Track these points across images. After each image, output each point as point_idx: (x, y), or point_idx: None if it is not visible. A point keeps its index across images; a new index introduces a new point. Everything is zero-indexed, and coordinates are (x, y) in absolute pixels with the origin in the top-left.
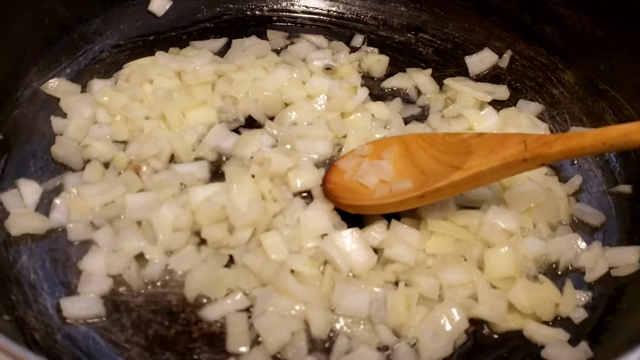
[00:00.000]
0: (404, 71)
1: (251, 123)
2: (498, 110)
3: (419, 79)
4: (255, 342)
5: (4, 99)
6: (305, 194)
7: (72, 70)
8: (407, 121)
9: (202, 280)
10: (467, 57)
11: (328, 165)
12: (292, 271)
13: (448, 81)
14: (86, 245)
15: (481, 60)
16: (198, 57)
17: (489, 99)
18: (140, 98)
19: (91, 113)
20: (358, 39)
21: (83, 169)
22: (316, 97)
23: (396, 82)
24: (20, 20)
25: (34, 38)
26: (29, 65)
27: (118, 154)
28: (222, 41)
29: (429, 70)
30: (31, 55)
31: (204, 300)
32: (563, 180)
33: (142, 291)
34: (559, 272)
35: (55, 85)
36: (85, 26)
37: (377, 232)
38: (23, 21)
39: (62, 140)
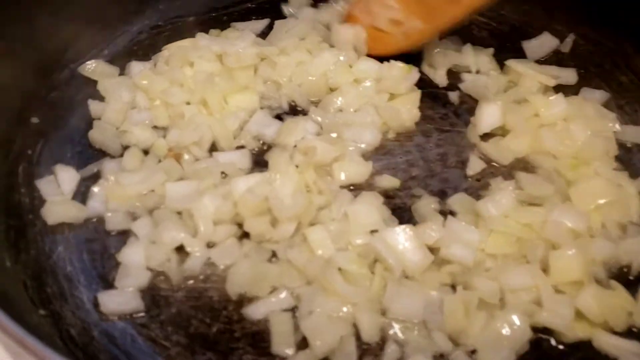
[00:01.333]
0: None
1: (294, 109)
2: None
3: (479, 57)
4: (301, 344)
5: (41, 81)
6: (352, 187)
7: (110, 52)
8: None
9: (245, 275)
10: (524, 41)
11: (376, 157)
12: (339, 269)
13: (510, 62)
14: (124, 235)
15: (541, 44)
16: (240, 39)
17: (553, 83)
18: (180, 82)
19: (130, 97)
20: None
21: (121, 155)
22: (364, 81)
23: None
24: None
25: (71, 19)
26: (66, 47)
27: (158, 141)
28: (264, 22)
29: (491, 50)
30: (69, 36)
31: (247, 297)
32: (634, 175)
33: (182, 286)
34: (631, 277)
35: (92, 67)
36: (124, 6)
37: (432, 229)
38: (60, 1)
39: (100, 124)
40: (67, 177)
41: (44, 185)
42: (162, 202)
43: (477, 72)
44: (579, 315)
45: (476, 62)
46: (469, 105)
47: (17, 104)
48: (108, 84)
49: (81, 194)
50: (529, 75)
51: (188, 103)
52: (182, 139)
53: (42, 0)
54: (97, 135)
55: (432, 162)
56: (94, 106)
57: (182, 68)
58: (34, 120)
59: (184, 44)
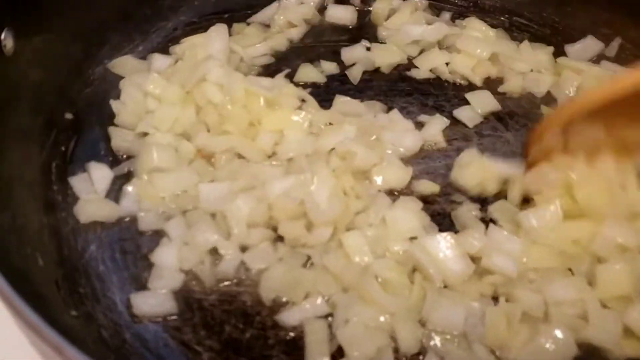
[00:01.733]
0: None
1: None
2: None
3: (538, 56)
4: (336, 353)
5: (75, 77)
6: (390, 192)
7: (145, 48)
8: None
9: (279, 280)
10: (567, 45)
11: (414, 160)
12: (376, 277)
13: (563, 60)
14: (157, 236)
15: (584, 48)
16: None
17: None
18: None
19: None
20: (445, 16)
21: None
22: None
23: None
24: None
25: (106, 14)
26: (101, 43)
27: (182, 144)
28: None
29: (551, 49)
30: (104, 31)
31: (281, 303)
32: None
33: (215, 289)
34: None
35: (122, 63)
36: (159, 2)
37: (474, 238)
38: None
39: (116, 132)
40: (100, 175)
41: (78, 183)
42: (195, 203)
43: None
44: (628, 332)
45: (534, 60)
46: (510, 108)
47: (52, 100)
48: (126, 83)
49: (115, 192)
50: (590, 73)
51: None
52: (210, 144)
53: None
54: (119, 143)
55: None
56: (115, 106)
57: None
58: (68, 116)
59: (199, 39)
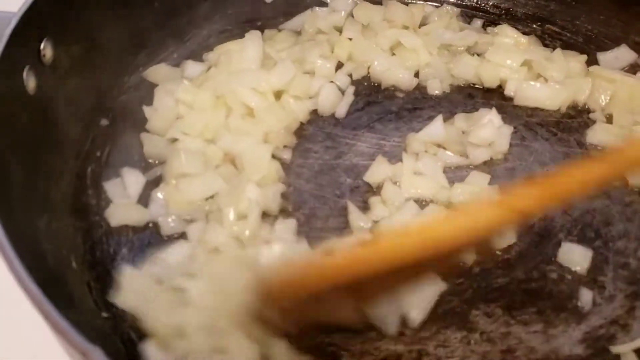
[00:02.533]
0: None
1: None
2: None
3: (570, 64)
4: None
5: (112, 84)
6: None
7: (179, 56)
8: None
9: None
10: (599, 53)
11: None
12: None
13: (595, 69)
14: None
15: (616, 57)
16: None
17: None
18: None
19: (175, 104)
20: (477, 24)
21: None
22: None
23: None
24: (129, 3)
25: (142, 22)
26: (137, 51)
27: (209, 148)
28: None
29: (584, 57)
30: (140, 40)
31: None
32: None
33: None
34: None
35: (155, 71)
36: (194, 10)
37: None
38: (132, 4)
39: (148, 138)
40: (133, 180)
41: (111, 187)
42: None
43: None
44: None
45: (566, 68)
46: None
47: (89, 107)
48: (159, 90)
49: (146, 197)
50: (627, 84)
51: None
52: (234, 146)
53: (116, 4)
54: (151, 149)
55: None
56: (148, 112)
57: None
58: (104, 122)
59: (233, 46)
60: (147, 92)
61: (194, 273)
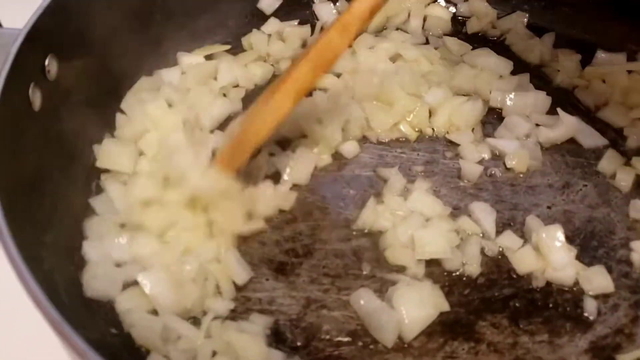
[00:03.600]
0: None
1: None
2: None
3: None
4: None
5: (113, 97)
6: None
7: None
8: None
9: None
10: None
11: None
12: None
13: (589, 69)
14: None
15: (611, 60)
16: None
17: None
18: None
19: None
20: None
21: None
22: None
23: None
24: (130, 17)
25: (144, 33)
26: (137, 64)
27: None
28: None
29: (578, 56)
30: (139, 54)
31: None
32: None
33: None
34: None
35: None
36: (195, 25)
37: None
38: (133, 18)
39: (112, 142)
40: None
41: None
42: None
43: None
44: None
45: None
46: None
47: (93, 119)
48: (129, 95)
49: None
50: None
51: None
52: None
53: (118, 19)
54: (105, 161)
55: None
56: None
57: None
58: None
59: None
60: None
61: None
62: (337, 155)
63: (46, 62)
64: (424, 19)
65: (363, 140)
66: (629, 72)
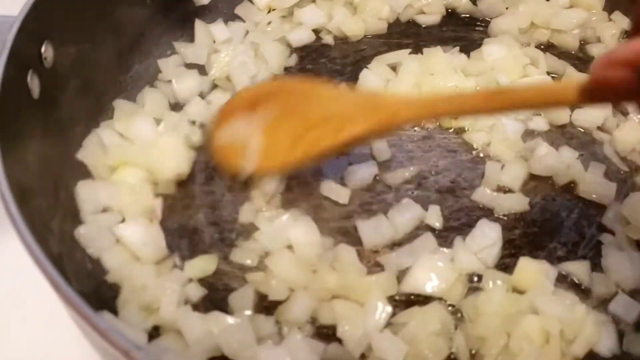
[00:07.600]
0: None
1: None
2: None
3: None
4: None
5: (110, 84)
6: None
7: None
8: None
9: None
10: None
11: None
12: None
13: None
14: None
15: None
16: None
17: None
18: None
19: None
20: None
21: None
22: None
23: None
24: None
25: (139, 25)
26: (134, 49)
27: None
28: None
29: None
30: (136, 40)
31: None
32: None
33: None
34: None
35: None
36: (191, 8)
37: None
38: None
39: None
40: None
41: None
42: None
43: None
44: None
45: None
46: None
47: (90, 106)
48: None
49: None
50: None
51: None
52: None
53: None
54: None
55: None
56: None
57: None
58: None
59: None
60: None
61: None
62: None
63: (43, 49)
64: None
65: None
66: None
